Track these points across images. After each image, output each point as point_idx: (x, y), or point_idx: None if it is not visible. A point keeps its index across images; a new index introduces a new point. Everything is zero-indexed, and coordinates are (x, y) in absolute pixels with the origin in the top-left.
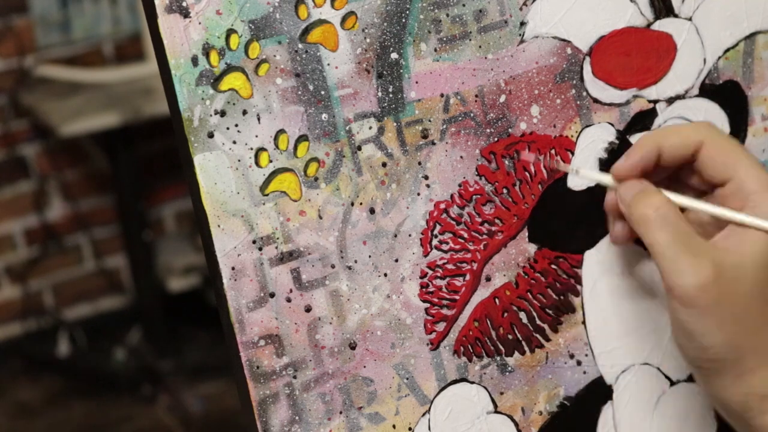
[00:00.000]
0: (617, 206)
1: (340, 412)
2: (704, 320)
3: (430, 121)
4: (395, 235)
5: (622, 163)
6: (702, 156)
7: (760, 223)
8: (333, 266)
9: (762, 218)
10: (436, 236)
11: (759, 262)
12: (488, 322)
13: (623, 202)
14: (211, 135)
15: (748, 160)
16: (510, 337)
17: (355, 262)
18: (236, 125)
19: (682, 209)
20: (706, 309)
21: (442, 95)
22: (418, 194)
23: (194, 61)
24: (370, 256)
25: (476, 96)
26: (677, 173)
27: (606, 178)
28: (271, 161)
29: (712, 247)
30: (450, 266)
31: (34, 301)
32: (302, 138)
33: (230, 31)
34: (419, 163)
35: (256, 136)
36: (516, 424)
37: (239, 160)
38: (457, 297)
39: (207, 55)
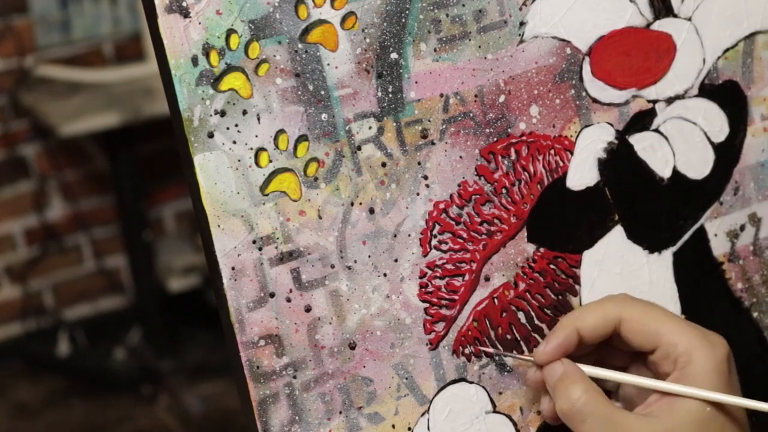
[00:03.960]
0: (542, 382)
1: (340, 412)
2: None
3: (429, 121)
4: (395, 235)
5: (542, 349)
6: (624, 331)
7: (685, 391)
8: (333, 266)
9: (692, 378)
10: (435, 236)
11: (691, 425)
12: (487, 322)
13: (548, 386)
14: (211, 135)
15: (671, 325)
16: (509, 337)
17: (355, 262)
18: (236, 125)
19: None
20: None
21: (441, 95)
22: (418, 194)
23: (194, 61)
24: (369, 256)
25: (476, 96)
26: (609, 342)
27: (529, 359)
28: (271, 161)
29: (640, 420)
30: (449, 266)
31: (34, 301)
32: (302, 138)
33: (230, 31)
34: (419, 163)
35: (256, 136)
36: (515, 424)
37: (239, 160)
38: (456, 297)
39: (207, 55)
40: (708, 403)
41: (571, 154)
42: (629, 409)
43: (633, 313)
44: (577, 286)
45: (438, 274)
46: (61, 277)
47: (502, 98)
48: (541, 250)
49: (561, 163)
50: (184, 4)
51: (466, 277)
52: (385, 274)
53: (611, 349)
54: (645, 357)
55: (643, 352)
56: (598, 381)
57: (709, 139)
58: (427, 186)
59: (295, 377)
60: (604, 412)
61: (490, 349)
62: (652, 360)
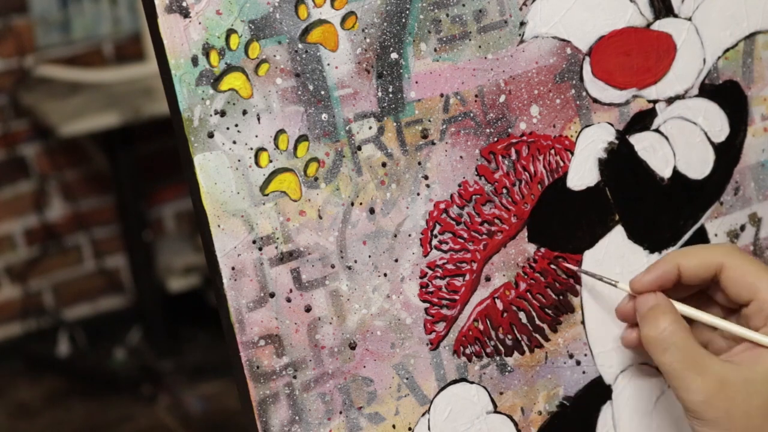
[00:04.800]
0: (631, 313)
1: (340, 412)
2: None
3: (429, 121)
4: (395, 235)
5: (640, 278)
6: (723, 278)
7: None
8: (333, 266)
9: None
10: (435, 236)
11: None
12: (488, 322)
13: (638, 314)
14: (211, 135)
15: None
16: (509, 337)
17: (355, 262)
18: (236, 125)
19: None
20: (715, 422)
21: (441, 95)
22: (418, 194)
23: (194, 61)
24: (370, 256)
25: (476, 96)
26: (706, 292)
27: (625, 287)
28: (271, 161)
29: (721, 363)
30: (450, 266)
31: (34, 301)
32: (302, 138)
33: (230, 31)
34: (419, 163)
35: (256, 136)
36: (515, 424)
37: (239, 160)
38: (456, 297)
39: (207, 55)
40: None
41: (572, 154)
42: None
43: (736, 262)
44: (577, 286)
45: (438, 274)
46: (61, 277)
47: (502, 98)
48: (542, 250)
49: (561, 163)
50: (184, 4)
51: (467, 277)
52: (385, 274)
53: (707, 299)
54: (738, 311)
55: (738, 304)
56: (691, 327)
57: (709, 139)
58: (428, 186)
59: (295, 377)
60: (687, 345)
61: (574, 267)
62: (745, 313)
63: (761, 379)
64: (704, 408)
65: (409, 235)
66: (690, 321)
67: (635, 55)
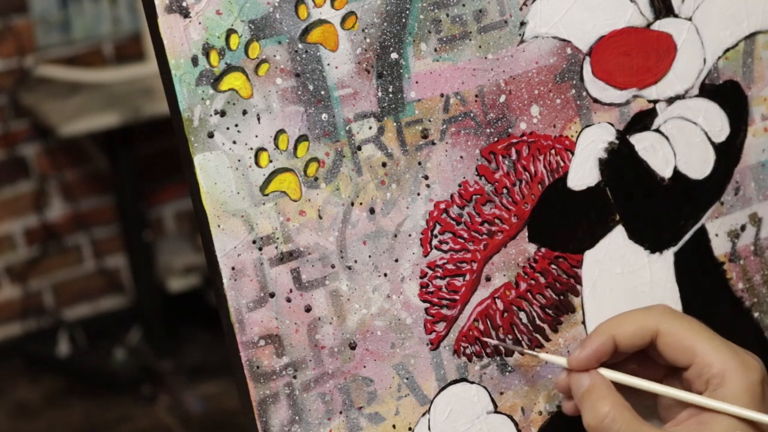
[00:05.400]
0: (568, 388)
1: (340, 412)
2: None
3: (430, 121)
4: (395, 235)
5: (577, 355)
6: (659, 344)
7: (716, 405)
8: (333, 266)
9: (725, 400)
10: (436, 236)
11: None
12: (488, 322)
13: (574, 396)
14: (211, 135)
15: (707, 343)
16: (510, 337)
17: (355, 262)
18: (236, 125)
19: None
20: None
21: (442, 95)
22: (418, 194)
23: (194, 61)
24: (370, 256)
25: (476, 96)
26: (644, 353)
27: (562, 361)
28: (271, 161)
29: None
30: (450, 266)
31: (34, 301)
32: (302, 138)
33: (230, 31)
34: (419, 163)
35: (256, 136)
36: (516, 424)
37: (239, 160)
38: (457, 297)
39: (207, 55)
40: (739, 424)
41: (572, 154)
42: (661, 425)
43: (671, 327)
44: (578, 286)
45: (439, 274)
46: (61, 277)
47: (502, 98)
48: (542, 250)
49: (562, 163)
50: (184, 4)
51: (467, 277)
52: (385, 274)
53: (645, 360)
54: (679, 373)
55: (677, 367)
56: (634, 395)
57: (709, 139)
58: (428, 186)
59: (295, 377)
60: (631, 428)
61: (494, 341)
62: (685, 377)
63: None
64: None
65: (409, 235)
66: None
67: (635, 55)
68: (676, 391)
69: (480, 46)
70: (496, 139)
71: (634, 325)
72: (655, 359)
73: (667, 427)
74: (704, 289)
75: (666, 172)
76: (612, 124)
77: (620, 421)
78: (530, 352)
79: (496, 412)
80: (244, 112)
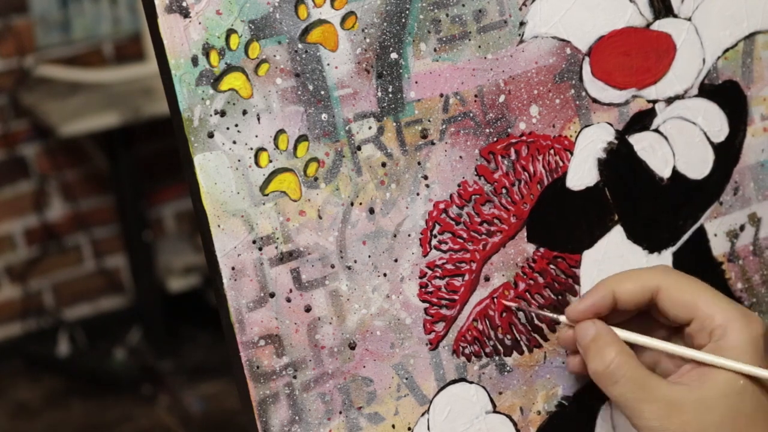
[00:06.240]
0: (570, 341)
1: (340, 412)
2: None
3: (429, 121)
4: (395, 235)
5: (574, 307)
6: (660, 300)
7: (716, 361)
8: (333, 266)
9: (727, 351)
10: (435, 236)
11: (723, 395)
12: (487, 322)
13: (579, 345)
14: (211, 135)
15: (708, 297)
16: (508, 336)
17: (355, 262)
18: (236, 125)
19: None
20: None
21: (441, 95)
22: (418, 194)
23: (194, 61)
24: (369, 256)
25: (475, 96)
26: (646, 314)
27: (561, 318)
28: (270, 161)
29: (670, 386)
30: (449, 266)
31: (34, 301)
32: (302, 138)
33: (230, 31)
34: (419, 163)
35: (256, 136)
36: (515, 424)
37: (239, 160)
38: (456, 297)
39: (207, 55)
40: (741, 377)
41: (571, 154)
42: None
43: (671, 283)
44: (576, 286)
45: (438, 274)
46: (61, 277)
47: (502, 98)
48: (541, 250)
49: (561, 163)
50: (184, 4)
51: (466, 277)
52: (385, 274)
53: (648, 321)
54: (681, 331)
55: (679, 324)
56: (636, 353)
57: (708, 139)
58: (427, 186)
59: (295, 377)
60: (636, 375)
61: (512, 304)
62: (687, 332)
63: (712, 396)
64: None
65: (409, 235)
66: (633, 344)
67: (635, 55)
68: (677, 347)
69: (479, 46)
70: (495, 139)
71: (635, 282)
72: (657, 319)
73: (669, 380)
74: None
75: (665, 172)
76: (611, 124)
77: (626, 368)
78: (551, 315)
79: (494, 411)
80: (244, 112)
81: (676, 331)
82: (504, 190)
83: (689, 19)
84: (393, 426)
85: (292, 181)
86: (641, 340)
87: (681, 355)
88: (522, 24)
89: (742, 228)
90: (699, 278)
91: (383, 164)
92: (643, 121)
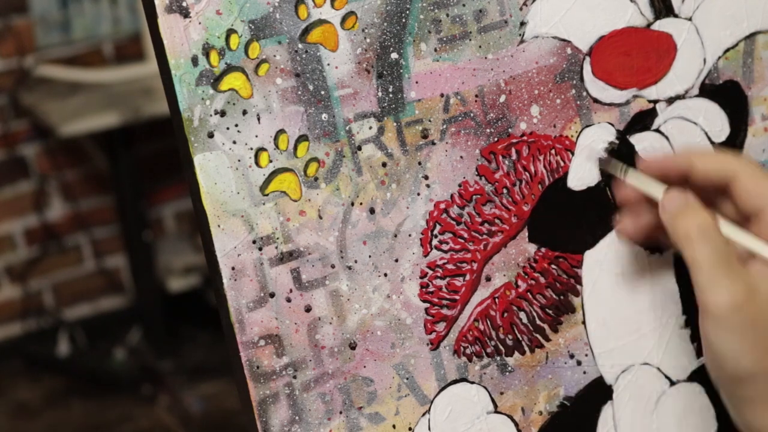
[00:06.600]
0: (632, 199)
1: (340, 412)
2: (737, 342)
3: (430, 121)
4: (395, 235)
5: (653, 157)
6: (735, 188)
7: None
8: (333, 266)
9: None
10: (436, 236)
11: None
12: (488, 322)
13: (665, 212)
14: (211, 135)
15: None
16: (510, 337)
17: (355, 262)
18: (236, 125)
19: None
20: (739, 330)
21: (442, 95)
22: (418, 194)
23: (194, 61)
24: (370, 256)
25: (476, 96)
26: (712, 200)
27: (656, 188)
28: (271, 161)
29: (749, 273)
30: (450, 266)
31: (34, 301)
32: (302, 138)
33: (230, 31)
34: (419, 163)
35: (256, 136)
36: (516, 424)
37: (239, 160)
38: (457, 297)
39: (207, 55)
40: None
41: (572, 154)
42: None
43: (750, 171)
44: (578, 286)
45: (439, 274)
46: (61, 277)
47: (502, 98)
48: (543, 250)
49: (562, 163)
50: (184, 4)
51: (467, 277)
52: (385, 274)
53: (714, 210)
54: (748, 223)
55: (748, 215)
56: None
57: (709, 139)
58: (428, 186)
59: (295, 377)
60: (724, 245)
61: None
62: (757, 224)
63: None
64: (731, 314)
65: (410, 235)
66: None
67: (635, 55)
68: (754, 241)
69: (480, 46)
70: (496, 139)
71: (716, 161)
72: (724, 208)
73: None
74: None
75: None
76: (612, 124)
77: (717, 232)
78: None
79: (496, 412)
80: (244, 112)
81: (741, 221)
82: (505, 190)
83: (690, 19)
84: (394, 426)
85: (293, 181)
86: (726, 229)
87: (757, 252)
88: (522, 24)
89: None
90: None
91: (384, 164)
92: (644, 121)
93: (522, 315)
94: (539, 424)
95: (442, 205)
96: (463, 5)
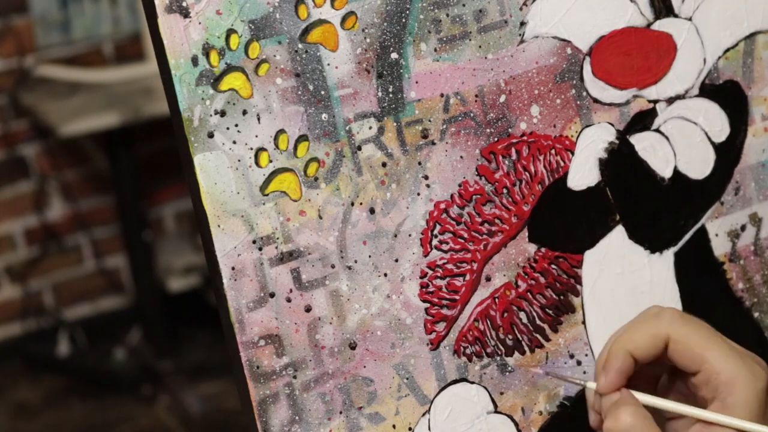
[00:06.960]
0: (597, 403)
1: (340, 412)
2: None
3: (430, 121)
4: (395, 235)
5: (604, 382)
6: (670, 351)
7: (724, 420)
8: (333, 266)
9: (732, 409)
10: (436, 236)
11: None
12: (488, 322)
13: (602, 411)
14: (211, 135)
15: (716, 351)
16: (510, 337)
17: (355, 262)
18: (236, 125)
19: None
20: None
21: (442, 95)
22: (418, 194)
23: (194, 61)
24: (370, 256)
25: (476, 96)
26: (662, 360)
27: (591, 385)
28: (271, 161)
29: None
30: (450, 266)
31: (34, 301)
32: (302, 138)
33: (230, 31)
34: (419, 163)
35: (256, 136)
36: (516, 424)
37: (239, 160)
38: (457, 297)
39: (207, 55)
40: None
41: (572, 154)
42: None
43: (682, 333)
44: (578, 286)
45: (439, 274)
46: (61, 277)
47: (502, 98)
48: (542, 250)
49: (562, 163)
50: (184, 4)
51: (467, 277)
52: (385, 274)
53: (659, 365)
54: (686, 375)
55: (688, 373)
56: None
57: (709, 139)
58: (428, 186)
59: (295, 377)
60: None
61: (540, 371)
62: (693, 382)
63: None
64: None
65: (410, 235)
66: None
67: (635, 55)
68: (689, 409)
69: (480, 46)
70: (496, 139)
71: (647, 337)
72: (662, 360)
73: None
74: (704, 289)
75: (666, 172)
76: (612, 124)
77: (639, 428)
78: (578, 381)
79: (496, 412)
80: (244, 112)
81: (679, 371)
82: (505, 190)
83: (690, 19)
84: (394, 426)
85: (293, 181)
86: (658, 403)
87: (691, 415)
88: (522, 24)
89: (743, 228)
90: (700, 278)
91: (384, 164)
92: (644, 121)
93: (522, 315)
94: (539, 424)
95: (442, 205)
96: (463, 5)
